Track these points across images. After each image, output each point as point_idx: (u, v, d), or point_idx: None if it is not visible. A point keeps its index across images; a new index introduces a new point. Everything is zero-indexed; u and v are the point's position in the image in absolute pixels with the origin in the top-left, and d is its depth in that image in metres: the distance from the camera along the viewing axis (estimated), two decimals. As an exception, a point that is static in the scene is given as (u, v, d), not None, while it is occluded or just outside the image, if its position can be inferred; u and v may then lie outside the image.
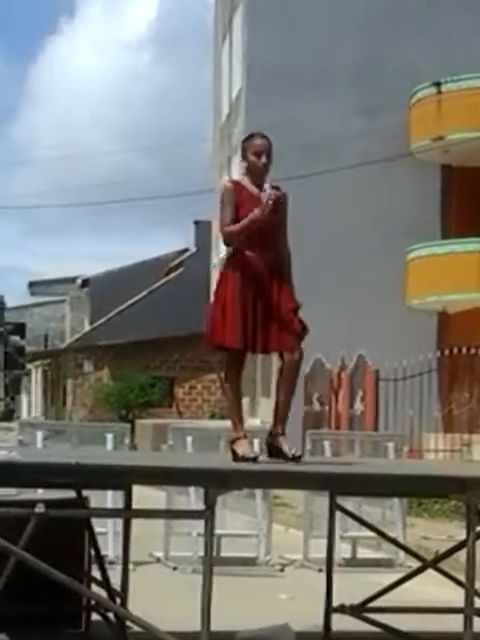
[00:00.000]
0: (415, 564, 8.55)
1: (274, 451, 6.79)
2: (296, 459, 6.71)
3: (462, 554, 6.76)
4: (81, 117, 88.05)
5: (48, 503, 6.12)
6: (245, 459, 6.59)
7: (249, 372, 27.39)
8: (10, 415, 50.68)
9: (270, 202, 6.69)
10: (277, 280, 6.79)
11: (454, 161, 23.91)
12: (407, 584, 7.77)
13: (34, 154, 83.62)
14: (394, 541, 9.18)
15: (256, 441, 9.01)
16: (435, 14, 24.42)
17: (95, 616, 7.33)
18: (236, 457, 6.70)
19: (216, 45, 31.12)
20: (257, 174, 6.80)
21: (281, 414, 6.88)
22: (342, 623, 7.49)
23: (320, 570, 9.31)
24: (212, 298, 6.94)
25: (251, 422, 23.84)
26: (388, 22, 24.64)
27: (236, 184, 6.85)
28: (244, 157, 6.86)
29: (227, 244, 6.86)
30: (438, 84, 22.95)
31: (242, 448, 6.69)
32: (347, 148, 23.47)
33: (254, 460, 6.59)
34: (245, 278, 6.72)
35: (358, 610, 7.43)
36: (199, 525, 7.80)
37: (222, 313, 6.71)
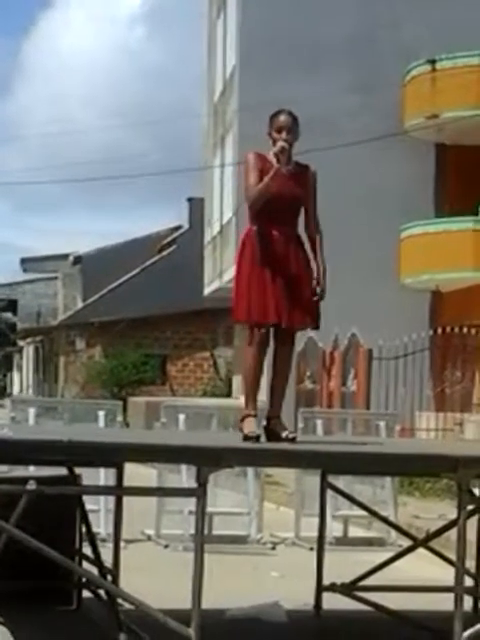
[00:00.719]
0: (406, 543, 8.57)
1: (270, 434, 6.78)
2: (291, 441, 6.69)
3: (453, 533, 6.77)
4: (74, 93, 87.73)
5: (40, 480, 6.11)
6: (248, 438, 6.57)
7: (243, 348, 27.39)
8: (2, 392, 50.66)
9: (282, 148, 6.66)
10: (297, 256, 6.78)
11: (448, 139, 23.85)
12: (398, 563, 7.80)
13: (26, 130, 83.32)
14: (385, 520, 9.19)
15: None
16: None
17: (86, 593, 7.34)
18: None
19: (210, 21, 30.95)
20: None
21: (277, 397, 6.87)
22: (333, 601, 7.51)
23: (311, 548, 9.32)
24: (234, 274, 6.88)
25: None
26: (383, -1, 24.53)
27: (259, 155, 6.82)
28: (269, 133, 6.85)
29: (251, 207, 6.78)
30: (433, 61, 22.86)
31: (248, 427, 6.68)
32: (342, 125, 23.40)
33: (256, 439, 6.57)
34: (266, 253, 6.69)
35: (349, 588, 7.45)
36: (191, 503, 7.81)
37: (247, 289, 6.68)
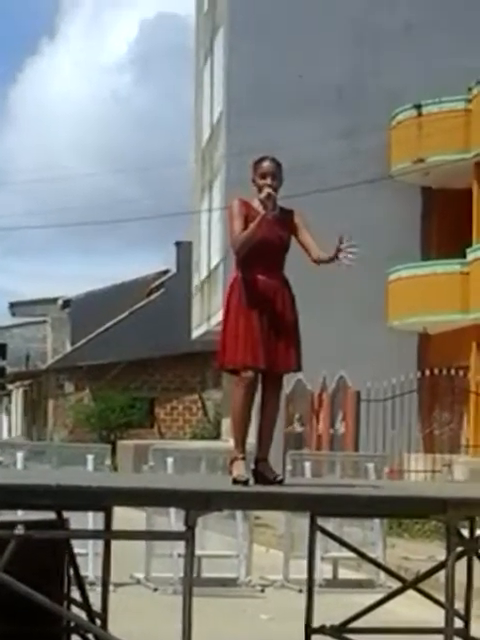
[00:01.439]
0: (396, 584, 8.55)
1: (258, 477, 6.81)
2: (279, 484, 6.73)
3: (442, 574, 6.78)
4: (62, 139, 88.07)
5: (28, 524, 6.10)
6: (237, 482, 6.60)
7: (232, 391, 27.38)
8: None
9: (268, 194, 6.72)
10: (284, 300, 6.84)
11: (434, 183, 24.05)
12: (388, 605, 7.77)
13: (14, 176, 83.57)
14: (374, 562, 9.17)
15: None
16: (416, 36, 24.59)
17: (75, 638, 7.30)
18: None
19: (197, 67, 31.24)
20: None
21: (265, 440, 6.91)
22: (322, 644, 7.48)
23: (300, 590, 9.31)
24: (222, 321, 6.94)
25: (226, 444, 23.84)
26: (369, 44, 24.79)
27: (244, 202, 6.87)
28: (253, 180, 6.90)
29: (237, 253, 6.84)
30: (419, 106, 23.10)
31: (237, 470, 6.70)
32: (329, 170, 23.57)
33: (245, 483, 6.59)
34: (253, 299, 6.75)
35: (338, 631, 7.42)
36: (180, 546, 7.81)
37: (236, 336, 6.74)
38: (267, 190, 6.77)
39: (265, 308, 6.78)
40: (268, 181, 6.81)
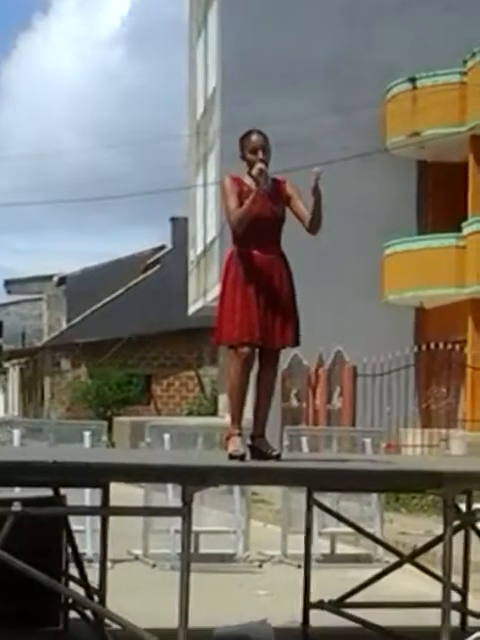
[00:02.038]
0: (393, 559, 8.57)
1: (255, 452, 6.80)
2: (276, 459, 6.73)
3: (440, 549, 6.79)
4: (55, 115, 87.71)
5: (25, 501, 6.10)
6: (233, 457, 6.59)
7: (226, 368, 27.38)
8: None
9: (260, 170, 6.67)
10: (280, 275, 6.82)
11: (429, 157, 23.98)
12: (385, 579, 7.80)
13: (7, 151, 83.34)
14: (372, 536, 9.20)
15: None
16: (410, 9, 24.45)
17: (73, 614, 7.31)
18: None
19: (190, 42, 31.08)
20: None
21: (261, 416, 6.91)
22: (321, 619, 7.50)
23: (298, 566, 9.32)
24: (219, 296, 6.92)
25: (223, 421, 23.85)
26: (363, 18, 24.67)
27: (236, 179, 6.85)
28: (242, 156, 6.87)
29: (235, 231, 6.81)
30: (413, 80, 22.99)
31: (233, 445, 6.71)
32: (323, 144, 23.48)
33: (241, 458, 6.59)
34: (250, 274, 6.73)
35: (336, 605, 7.45)
36: (177, 522, 7.79)
37: (233, 311, 6.72)
38: (259, 165, 6.74)
39: (261, 283, 6.76)
40: (259, 156, 6.78)
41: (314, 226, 6.87)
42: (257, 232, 6.77)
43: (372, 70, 23.89)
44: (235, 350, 6.79)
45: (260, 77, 24.27)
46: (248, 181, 6.83)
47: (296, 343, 6.93)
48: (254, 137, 6.84)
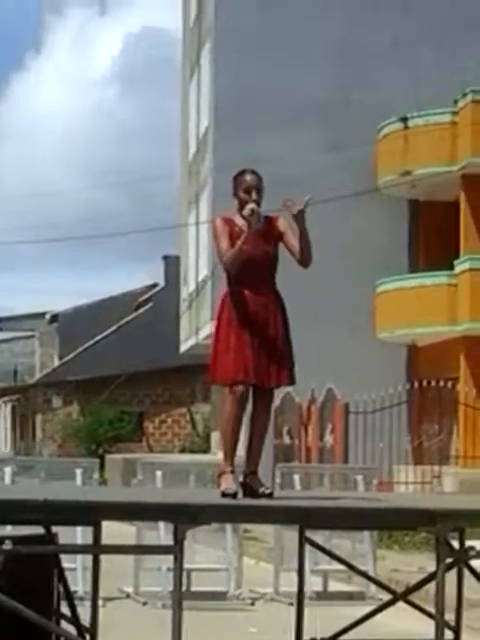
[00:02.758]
0: (386, 597, 8.54)
1: (248, 490, 6.80)
2: (268, 497, 6.71)
3: (433, 586, 6.77)
4: (48, 154, 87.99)
5: (16, 539, 6.08)
6: (225, 494, 6.59)
7: (221, 404, 27.35)
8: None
9: (251, 211, 6.69)
10: (275, 314, 6.84)
11: (421, 196, 24.11)
12: (378, 617, 7.76)
13: (0, 191, 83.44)
14: (365, 574, 9.16)
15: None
16: (402, 50, 24.67)
17: (64, 653, 7.26)
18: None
19: (183, 81, 31.28)
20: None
21: (254, 454, 6.90)
22: (313, 657, 7.46)
23: (291, 603, 9.29)
24: (213, 335, 6.95)
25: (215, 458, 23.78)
26: (355, 58, 24.86)
27: (227, 220, 6.87)
28: (235, 194, 6.87)
29: (228, 271, 6.84)
30: (405, 119, 23.16)
31: (225, 483, 6.70)
32: (316, 183, 23.52)
33: (234, 496, 6.58)
34: (243, 315, 6.77)
35: (329, 644, 7.40)
36: (169, 560, 7.77)
37: (226, 351, 6.75)
38: (250, 206, 6.77)
39: (255, 323, 6.79)
40: (253, 196, 6.81)
41: (304, 258, 6.86)
42: (250, 272, 6.80)
43: (365, 109, 24.05)
44: (230, 388, 6.82)
45: (253, 117, 24.42)
46: (239, 221, 6.86)
47: (291, 382, 6.95)
48: (248, 177, 6.85)
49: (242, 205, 6.85)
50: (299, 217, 6.73)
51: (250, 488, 6.79)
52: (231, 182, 6.96)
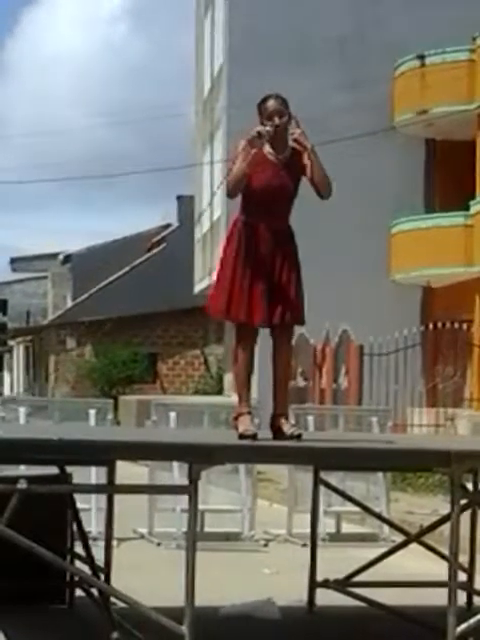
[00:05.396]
0: (399, 538, 8.55)
1: (276, 431, 6.63)
2: (296, 438, 6.52)
3: (446, 528, 6.75)
4: (58, 92, 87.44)
5: (31, 479, 6.07)
6: (244, 436, 6.45)
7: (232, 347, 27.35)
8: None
9: (258, 133, 6.43)
10: (285, 251, 6.58)
11: (438, 135, 23.86)
12: (391, 558, 7.77)
13: (10, 129, 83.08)
14: (378, 516, 9.18)
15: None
16: (418, -13, 24.28)
17: (79, 592, 7.30)
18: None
19: (197, 18, 30.91)
20: (273, 137, 6.52)
21: (278, 394, 6.70)
22: (326, 597, 7.49)
23: (304, 545, 9.30)
24: (217, 268, 6.69)
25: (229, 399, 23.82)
26: (371, -5, 24.52)
27: (252, 143, 6.51)
28: (261, 123, 6.57)
29: (228, 193, 6.58)
30: (422, 57, 22.85)
31: (243, 425, 6.53)
32: (331, 122, 23.36)
33: (253, 437, 6.43)
34: (252, 247, 6.51)
35: (342, 584, 7.43)
36: (183, 500, 7.78)
37: (231, 285, 6.50)
38: (258, 128, 6.51)
39: (263, 257, 6.52)
40: (275, 122, 6.52)
41: (323, 190, 6.63)
42: (264, 202, 6.51)
43: (381, 47, 23.74)
44: (237, 328, 6.67)
45: (268, 54, 24.14)
46: (266, 148, 6.56)
47: (297, 321, 6.67)
48: (270, 102, 6.58)
49: None
50: (311, 152, 6.57)
51: (278, 429, 6.64)
52: (249, 120, 6.77)
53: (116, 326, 36.09)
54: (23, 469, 8.06)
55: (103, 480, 7.24)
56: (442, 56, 22.62)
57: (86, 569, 6.87)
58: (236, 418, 6.66)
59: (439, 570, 7.16)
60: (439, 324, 21.01)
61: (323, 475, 7.83)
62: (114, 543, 7.32)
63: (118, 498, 6.93)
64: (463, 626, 6.27)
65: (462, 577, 7.22)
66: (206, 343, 36.83)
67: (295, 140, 6.58)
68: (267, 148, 6.58)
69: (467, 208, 21.94)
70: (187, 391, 35.41)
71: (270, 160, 6.57)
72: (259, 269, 6.53)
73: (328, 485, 8.10)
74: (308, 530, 7.87)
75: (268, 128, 6.51)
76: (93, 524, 9.92)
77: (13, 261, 48.44)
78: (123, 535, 9.76)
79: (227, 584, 8.32)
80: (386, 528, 10.73)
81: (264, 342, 6.74)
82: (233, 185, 6.53)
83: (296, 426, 6.82)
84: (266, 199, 6.54)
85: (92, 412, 10.78)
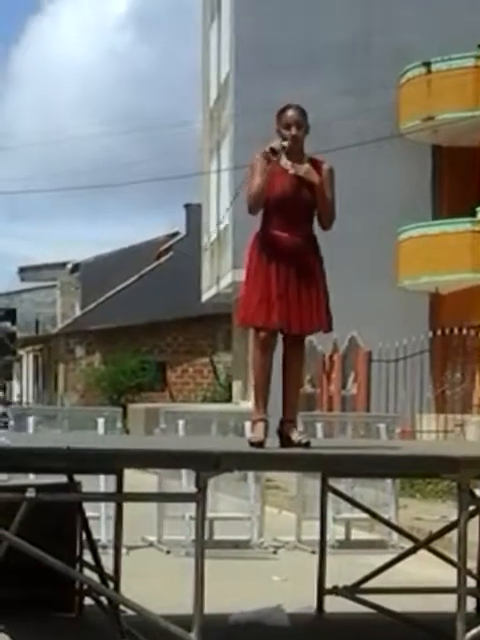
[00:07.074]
0: (408, 545, 8.55)
1: (284, 439, 6.66)
2: (304, 446, 6.56)
3: (455, 534, 6.75)
4: (65, 100, 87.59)
5: (39, 488, 6.09)
6: (251, 444, 6.48)
7: (242, 353, 27.35)
8: (5, 402, 50.57)
9: (272, 148, 6.48)
10: (308, 259, 6.63)
11: (444, 141, 23.86)
12: (400, 565, 7.77)
13: (16, 139, 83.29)
14: (387, 522, 9.17)
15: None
16: (424, -7, 24.31)
17: (88, 600, 7.31)
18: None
19: (204, 26, 30.96)
20: (290, 147, 6.59)
21: (290, 401, 6.72)
22: (335, 604, 7.49)
23: (313, 552, 9.30)
24: (244, 278, 6.75)
25: (245, 405, 23.83)
26: (377, 1, 24.53)
27: (268, 156, 6.57)
28: (277, 131, 6.65)
29: (249, 209, 6.62)
30: (428, 63, 22.86)
31: (251, 432, 6.60)
32: (338, 128, 23.38)
33: (260, 445, 6.46)
34: (273, 257, 6.55)
35: (351, 591, 7.43)
36: (192, 508, 7.78)
37: (253, 293, 6.57)
38: (272, 144, 6.57)
39: (284, 266, 6.56)
40: (293, 131, 6.58)
41: (325, 222, 6.70)
42: (282, 212, 6.55)
43: (387, 54, 23.77)
44: (255, 333, 6.70)
45: (274, 62, 24.18)
46: (282, 159, 6.61)
47: (318, 329, 6.72)
48: (290, 112, 6.65)
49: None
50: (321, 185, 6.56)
51: (286, 436, 6.66)
52: (255, 127, 6.84)
53: (124, 334, 36.14)
54: (32, 478, 8.09)
55: (112, 488, 7.25)
56: (448, 63, 22.63)
57: (95, 577, 6.88)
58: (254, 424, 6.68)
59: (448, 576, 7.16)
60: (447, 330, 20.99)
61: (332, 482, 7.84)
62: (123, 551, 7.34)
63: (127, 506, 6.94)
64: (472, 632, 6.27)
65: (471, 583, 7.21)
66: (214, 351, 36.84)
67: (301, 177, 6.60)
68: (284, 159, 6.62)
69: (474, 214, 21.94)
70: (196, 399, 35.42)
71: (287, 172, 6.60)
72: (278, 277, 6.56)
73: (336, 492, 8.11)
74: (317, 537, 7.87)
75: (283, 143, 6.56)
76: (102, 532, 9.94)
77: (22, 270, 48.56)
78: (132, 543, 9.77)
79: (236, 591, 8.33)
80: (395, 535, 10.72)
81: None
82: (253, 202, 6.60)
83: (304, 433, 6.84)
84: (284, 208, 6.58)
85: (101, 421, 10.80)
